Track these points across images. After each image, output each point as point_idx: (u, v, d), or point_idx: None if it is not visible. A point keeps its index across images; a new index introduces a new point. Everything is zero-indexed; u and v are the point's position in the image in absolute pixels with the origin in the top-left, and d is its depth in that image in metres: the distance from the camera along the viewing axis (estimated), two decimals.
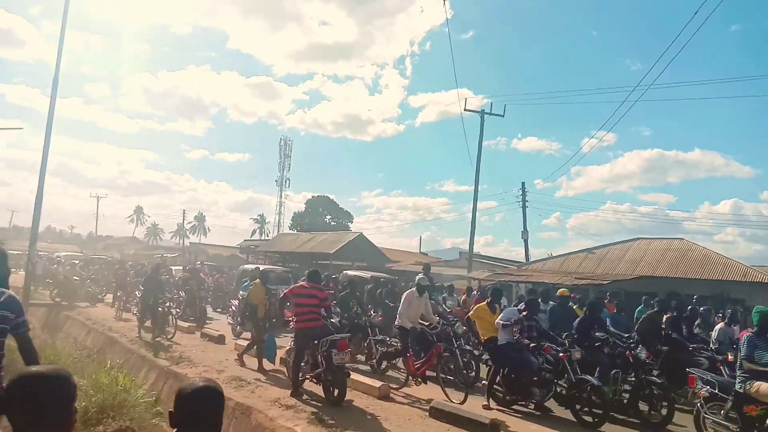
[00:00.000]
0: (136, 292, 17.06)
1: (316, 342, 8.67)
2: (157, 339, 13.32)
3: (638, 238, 28.43)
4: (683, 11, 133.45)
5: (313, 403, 8.37)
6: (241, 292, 15.14)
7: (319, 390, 8.69)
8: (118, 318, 17.73)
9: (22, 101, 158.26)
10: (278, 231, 68.74)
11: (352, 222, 73.38)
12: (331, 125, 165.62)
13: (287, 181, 73.37)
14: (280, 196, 72.96)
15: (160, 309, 13.93)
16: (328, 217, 73.02)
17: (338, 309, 12.31)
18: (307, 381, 8.94)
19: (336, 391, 8.26)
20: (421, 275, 10.83)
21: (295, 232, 60.90)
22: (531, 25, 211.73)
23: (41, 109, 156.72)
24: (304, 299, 8.85)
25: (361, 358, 11.78)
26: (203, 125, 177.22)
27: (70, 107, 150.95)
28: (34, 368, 1.96)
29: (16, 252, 35.15)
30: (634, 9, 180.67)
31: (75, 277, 22.10)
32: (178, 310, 16.05)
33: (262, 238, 74.35)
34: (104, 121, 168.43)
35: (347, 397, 8.35)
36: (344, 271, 21.24)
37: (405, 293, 9.73)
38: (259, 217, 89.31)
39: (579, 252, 29.24)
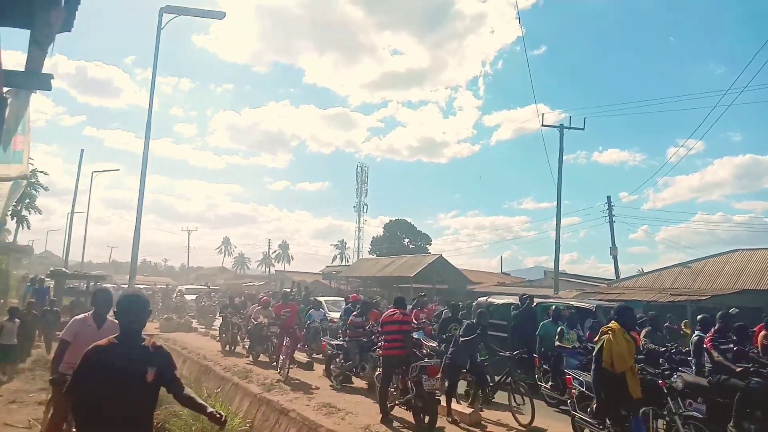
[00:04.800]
0: (331, 343, 12.48)
1: (404, 368, 8.66)
2: None
3: (737, 250, 26.65)
4: (763, 11, 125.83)
5: (404, 430, 8.31)
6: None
7: (409, 417, 8.63)
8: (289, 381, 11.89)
9: (118, 144, 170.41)
10: (358, 256, 69.58)
11: (430, 244, 73.31)
12: (406, 150, 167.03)
13: (365, 207, 74.28)
14: (359, 222, 73.93)
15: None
16: (407, 240, 73.22)
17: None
18: (397, 408, 8.91)
19: (426, 418, 8.16)
20: None
21: (375, 256, 61.39)
22: (605, 34, 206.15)
23: (136, 150, 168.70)
24: (393, 326, 8.90)
25: None
26: (284, 157, 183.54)
27: (162, 147, 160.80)
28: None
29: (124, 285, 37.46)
30: (711, 12, 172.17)
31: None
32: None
33: (343, 263, 75.39)
34: (193, 158, 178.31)
35: (438, 424, 8.23)
36: (540, 301, 14.56)
37: None
38: (339, 243, 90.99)
39: (673, 267, 27.75)
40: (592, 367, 6.36)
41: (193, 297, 30.24)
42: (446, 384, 9.32)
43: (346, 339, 12.09)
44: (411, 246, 70.38)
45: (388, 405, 8.82)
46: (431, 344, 12.17)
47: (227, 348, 17.01)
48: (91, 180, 43.30)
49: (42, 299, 17.70)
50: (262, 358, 14.77)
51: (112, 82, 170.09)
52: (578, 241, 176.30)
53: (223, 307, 19.23)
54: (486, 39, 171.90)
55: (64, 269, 23.73)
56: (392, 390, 8.93)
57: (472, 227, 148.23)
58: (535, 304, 13.32)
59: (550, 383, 10.49)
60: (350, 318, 12.82)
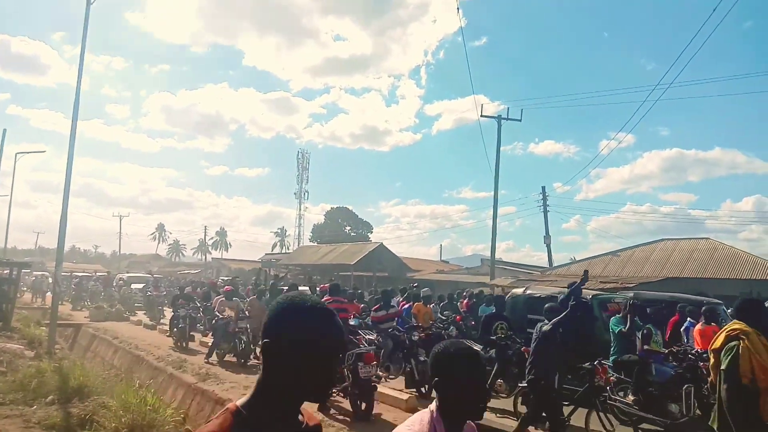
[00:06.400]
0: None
1: (341, 356, 8.66)
2: None
3: (663, 239, 28.04)
4: (693, 9, 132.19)
5: (341, 417, 8.33)
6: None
7: (346, 404, 8.66)
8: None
9: (46, 125, 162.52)
10: (299, 244, 69.08)
11: (371, 232, 73.68)
12: (348, 137, 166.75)
13: (306, 194, 73.75)
14: (300, 209, 73.33)
15: None
16: (348, 228, 73.29)
17: None
18: (333, 395, 8.92)
19: (363, 405, 8.21)
20: None
21: (316, 244, 61.13)
22: (543, 28, 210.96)
23: (64, 131, 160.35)
24: None
25: None
26: (223, 142, 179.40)
27: (93, 128, 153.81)
28: None
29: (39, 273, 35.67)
30: (644, 9, 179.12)
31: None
32: None
33: (283, 251, 74.69)
34: (126, 141, 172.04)
35: (375, 411, 8.29)
36: (597, 293, 12.27)
37: None
38: (279, 231, 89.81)
39: (603, 255, 28.89)
40: (723, 386, 4.86)
41: (140, 286, 27.85)
42: (526, 411, 7.48)
43: None
44: (352, 234, 70.46)
45: None
46: (476, 347, 10.41)
47: (179, 344, 15.14)
48: (15, 161, 41.00)
49: None
50: (228, 358, 13.05)
51: (38, 59, 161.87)
52: (514, 229, 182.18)
53: (174, 299, 17.27)
54: (428, 28, 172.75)
55: None
56: None
57: (413, 215, 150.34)
58: (590, 296, 10.97)
59: (631, 397, 8.37)
60: (372, 313, 11.90)
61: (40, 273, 35.19)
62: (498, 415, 8.29)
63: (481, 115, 30.30)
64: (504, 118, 29.95)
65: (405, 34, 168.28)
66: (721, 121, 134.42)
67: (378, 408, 8.47)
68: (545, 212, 33.81)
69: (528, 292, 12.79)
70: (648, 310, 9.27)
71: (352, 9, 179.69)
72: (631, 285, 21.81)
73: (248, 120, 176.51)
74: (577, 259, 33.62)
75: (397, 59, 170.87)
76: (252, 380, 10.62)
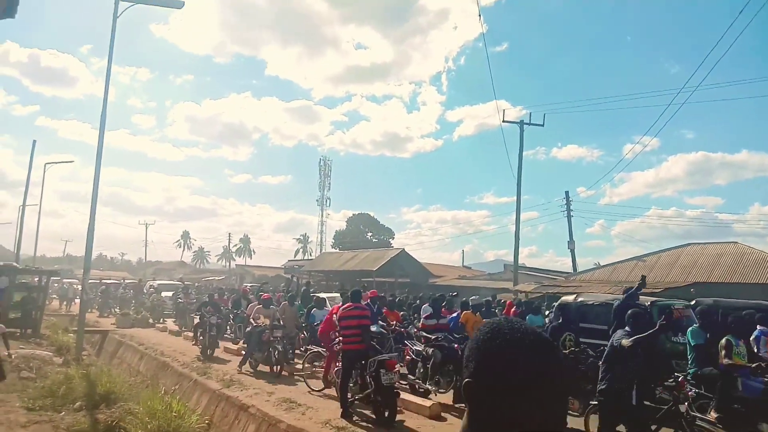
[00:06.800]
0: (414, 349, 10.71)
1: (363, 362, 8.67)
2: None
3: (690, 244, 27.48)
4: (718, 12, 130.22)
5: (364, 424, 8.32)
6: None
7: (369, 411, 8.65)
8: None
9: (74, 135, 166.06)
10: (321, 250, 69.24)
11: (393, 238, 73.62)
12: (370, 144, 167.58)
13: (328, 201, 74.03)
14: (322, 216, 73.58)
15: None
16: (369, 234, 73.39)
17: None
18: (357, 402, 8.93)
19: (386, 412, 8.19)
20: None
21: (338, 250, 61.26)
22: (565, 33, 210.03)
23: (91, 141, 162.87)
24: (351, 321, 8.88)
25: None
26: (246, 150, 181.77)
27: (119, 139, 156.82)
28: None
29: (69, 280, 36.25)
30: (668, 13, 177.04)
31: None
32: None
33: (306, 257, 75.00)
34: (152, 150, 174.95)
35: (398, 418, 8.28)
36: (657, 299, 11.80)
37: None
38: (302, 237, 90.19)
39: (628, 260, 28.46)
40: None
41: (170, 294, 27.45)
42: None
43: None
44: (374, 240, 70.52)
45: (349, 400, 8.83)
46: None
47: (205, 352, 14.64)
48: (44, 172, 41.79)
49: None
50: (262, 368, 12.56)
51: (67, 72, 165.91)
52: (537, 235, 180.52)
53: (201, 306, 16.88)
54: (449, 35, 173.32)
55: (15, 264, 22.87)
56: (352, 385, 8.94)
57: (435, 221, 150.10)
58: (649, 302, 10.36)
59: (714, 414, 7.46)
60: (422, 321, 11.66)
61: (68, 280, 35.75)
62: None
63: (503, 121, 30.22)
64: (526, 123, 29.83)
65: (425, 41, 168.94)
66: (747, 124, 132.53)
67: (401, 415, 8.46)
68: (569, 217, 33.46)
69: (579, 299, 12.11)
70: (729, 318, 8.44)
71: (372, 17, 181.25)
72: (658, 290, 21.46)
73: (271, 129, 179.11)
74: (601, 264, 33.14)
75: (417, 66, 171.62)
76: (279, 389, 10.70)
